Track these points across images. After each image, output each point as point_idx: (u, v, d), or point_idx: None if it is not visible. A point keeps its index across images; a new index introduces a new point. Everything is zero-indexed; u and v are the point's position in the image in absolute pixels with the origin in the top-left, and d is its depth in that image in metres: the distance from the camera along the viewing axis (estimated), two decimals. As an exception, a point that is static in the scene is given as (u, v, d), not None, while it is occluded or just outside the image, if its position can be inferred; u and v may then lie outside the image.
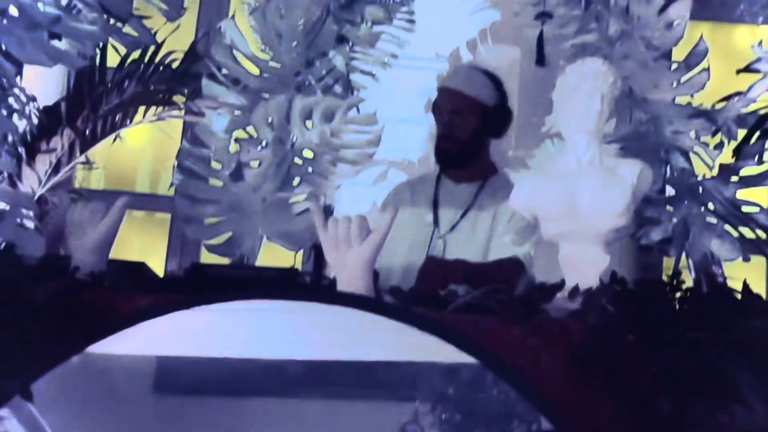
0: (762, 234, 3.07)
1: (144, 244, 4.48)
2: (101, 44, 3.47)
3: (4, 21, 2.80)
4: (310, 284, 2.55)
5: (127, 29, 3.03)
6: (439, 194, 3.17)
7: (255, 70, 3.26)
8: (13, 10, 2.82)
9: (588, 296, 2.17)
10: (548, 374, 2.07)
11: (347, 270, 2.35)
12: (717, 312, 2.03)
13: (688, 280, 2.35)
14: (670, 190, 3.18)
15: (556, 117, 2.50)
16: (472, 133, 3.16)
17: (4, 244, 2.36)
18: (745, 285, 2.06)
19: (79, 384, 2.54)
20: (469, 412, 2.39)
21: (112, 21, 2.96)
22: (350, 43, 3.27)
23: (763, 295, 2.12)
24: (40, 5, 2.83)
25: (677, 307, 2.09)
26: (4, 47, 2.86)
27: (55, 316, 2.19)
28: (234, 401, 2.59)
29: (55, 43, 2.92)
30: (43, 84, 3.73)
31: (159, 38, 3.57)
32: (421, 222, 3.14)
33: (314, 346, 2.41)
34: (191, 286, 2.42)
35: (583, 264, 2.29)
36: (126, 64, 3.81)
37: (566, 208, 2.33)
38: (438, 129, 3.23)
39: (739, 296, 2.05)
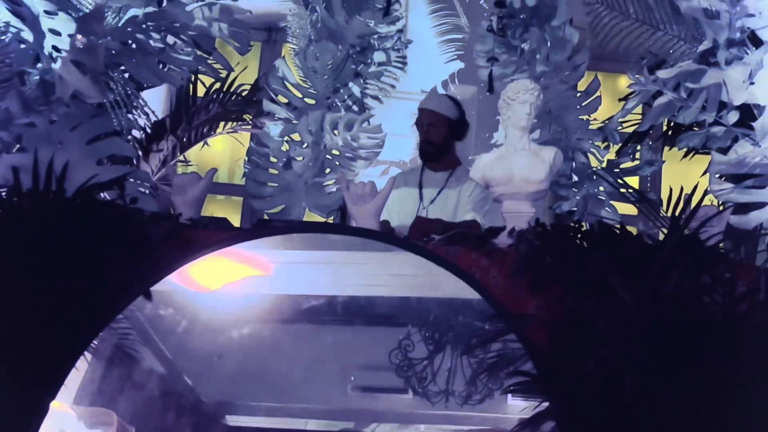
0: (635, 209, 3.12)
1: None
2: (193, 76, 3.44)
3: (125, 50, 2.76)
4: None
5: (211, 60, 3.00)
6: (422, 179, 3.15)
7: (299, 95, 3.27)
8: (132, 44, 2.79)
9: (520, 234, 2.24)
10: (494, 283, 2.14)
11: (362, 218, 2.40)
12: (603, 242, 2.09)
13: (585, 226, 2.38)
14: (574, 177, 3.22)
15: (500, 123, 2.55)
16: (443, 138, 3.13)
17: (130, 197, 2.37)
18: (622, 225, 2.12)
19: (173, 311, 2.56)
20: (444, 331, 2.47)
21: (200, 53, 2.91)
22: (363, 78, 3.28)
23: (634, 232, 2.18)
24: (151, 41, 2.79)
25: (578, 240, 2.15)
26: (127, 71, 2.80)
27: (166, 244, 2.24)
28: (284, 327, 2.62)
29: (162, 68, 2.89)
30: (153, 106, 3.68)
31: (233, 76, 3.59)
32: (411, 198, 3.14)
33: (337, 287, 2.45)
34: (258, 231, 2.43)
35: (517, 214, 2.35)
36: (211, 92, 3.75)
37: (506, 177, 2.39)
38: (420, 136, 3.22)
39: (618, 231, 2.11)
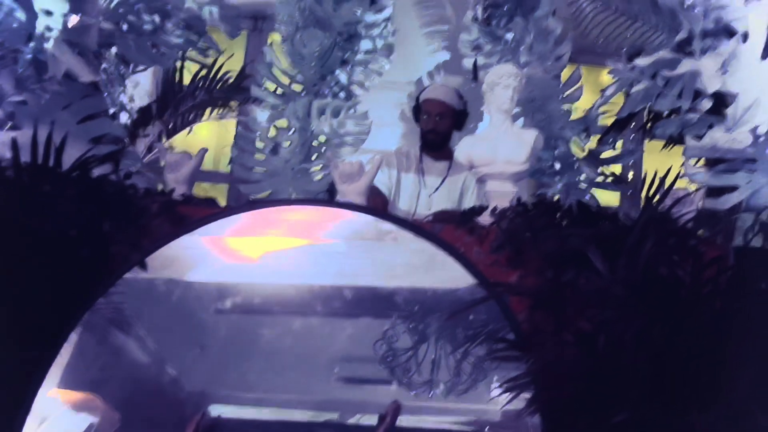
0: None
1: (209, 205, 4.41)
2: (180, 62, 3.54)
3: (118, 31, 2.85)
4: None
5: (202, 43, 3.08)
6: (423, 168, 3.17)
7: (286, 81, 3.35)
8: (124, 25, 2.87)
9: (502, 212, 2.38)
10: (478, 257, 2.29)
11: (350, 196, 2.51)
12: (580, 219, 2.23)
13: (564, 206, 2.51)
14: (557, 165, 3.36)
15: (484, 105, 2.68)
16: (448, 128, 3.15)
17: (124, 173, 2.48)
18: (598, 204, 2.28)
19: (156, 302, 2.61)
20: (428, 322, 2.52)
21: (191, 36, 2.99)
22: (350, 65, 3.36)
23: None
24: (142, 23, 2.88)
25: (557, 218, 2.28)
26: (120, 51, 2.90)
27: (161, 217, 2.37)
28: (267, 317, 2.64)
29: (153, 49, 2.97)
30: (140, 92, 3.68)
31: (220, 62, 3.67)
32: (413, 184, 3.17)
33: (321, 276, 2.51)
34: (248, 206, 2.53)
35: (500, 193, 2.49)
36: (197, 79, 3.80)
37: (490, 158, 2.53)
38: (426, 126, 3.14)
39: (594, 210, 2.26)
